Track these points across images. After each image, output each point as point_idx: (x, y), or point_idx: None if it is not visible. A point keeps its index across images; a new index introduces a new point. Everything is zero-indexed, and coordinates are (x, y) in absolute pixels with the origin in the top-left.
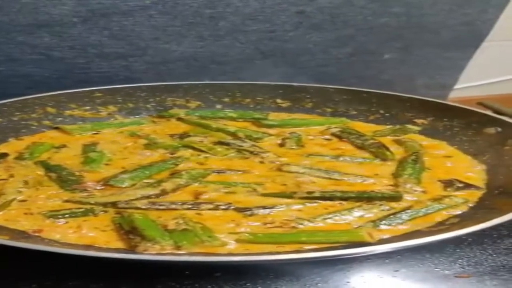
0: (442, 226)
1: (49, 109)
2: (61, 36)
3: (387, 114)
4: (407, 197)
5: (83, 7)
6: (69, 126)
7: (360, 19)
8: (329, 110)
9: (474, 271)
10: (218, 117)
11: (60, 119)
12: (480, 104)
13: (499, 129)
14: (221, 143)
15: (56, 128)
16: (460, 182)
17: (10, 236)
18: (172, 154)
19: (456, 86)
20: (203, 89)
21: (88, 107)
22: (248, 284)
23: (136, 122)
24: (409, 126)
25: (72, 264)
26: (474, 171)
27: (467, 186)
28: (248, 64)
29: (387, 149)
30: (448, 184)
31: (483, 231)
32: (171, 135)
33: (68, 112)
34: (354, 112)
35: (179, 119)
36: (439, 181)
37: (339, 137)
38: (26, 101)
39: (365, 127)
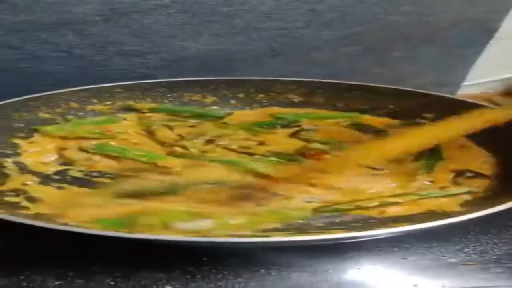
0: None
1: (73, 104)
2: (83, 34)
3: (397, 109)
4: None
5: (105, 6)
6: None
7: (371, 17)
8: (340, 105)
9: (479, 259)
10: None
11: (82, 113)
12: (489, 100)
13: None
14: None
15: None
16: (471, 171)
17: None
18: None
19: (463, 83)
20: (218, 85)
21: (109, 102)
22: (262, 270)
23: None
24: (419, 120)
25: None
26: (487, 162)
27: (478, 175)
28: (260, 61)
29: None
30: (459, 174)
31: (488, 220)
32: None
33: (90, 107)
34: (365, 107)
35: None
36: (451, 171)
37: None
38: (51, 97)
39: (377, 121)
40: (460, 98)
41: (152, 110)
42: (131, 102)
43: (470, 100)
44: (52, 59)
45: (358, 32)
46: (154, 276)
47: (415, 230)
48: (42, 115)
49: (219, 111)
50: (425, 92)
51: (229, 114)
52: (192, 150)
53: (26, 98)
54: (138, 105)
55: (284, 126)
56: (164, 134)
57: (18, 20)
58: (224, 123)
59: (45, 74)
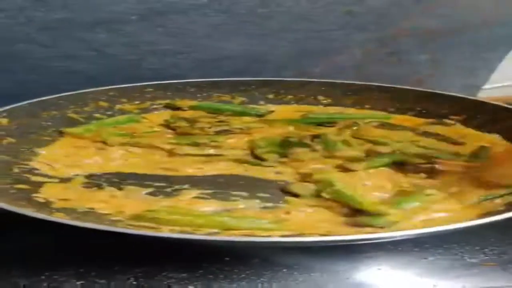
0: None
1: (102, 103)
2: (117, 33)
3: (423, 111)
4: None
5: (142, 5)
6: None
7: (405, 19)
8: (367, 106)
9: (498, 260)
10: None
11: (110, 112)
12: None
13: None
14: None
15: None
16: None
17: None
18: None
19: (484, 86)
20: (248, 86)
21: (138, 102)
22: (284, 270)
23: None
24: (446, 120)
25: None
26: None
27: None
28: (291, 62)
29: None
30: None
31: (507, 221)
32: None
33: (118, 106)
34: (392, 109)
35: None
36: None
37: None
38: (80, 95)
39: (408, 120)
40: (485, 101)
41: (192, 108)
42: (168, 101)
43: (495, 103)
44: (83, 58)
45: (390, 35)
46: (177, 276)
47: (432, 233)
48: (71, 114)
49: (259, 109)
50: (453, 94)
51: (270, 112)
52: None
53: (56, 97)
54: (178, 103)
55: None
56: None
57: (52, 18)
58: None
59: (76, 73)
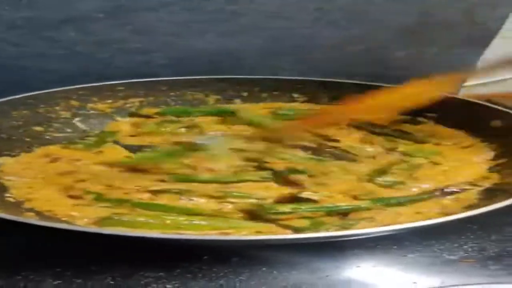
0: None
1: (73, 102)
2: (85, 32)
3: None
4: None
5: (109, 2)
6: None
7: (377, 16)
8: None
9: (478, 257)
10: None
11: (82, 111)
12: (489, 101)
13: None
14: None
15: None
16: None
17: None
18: None
19: (464, 84)
20: (222, 84)
21: (110, 101)
22: (264, 268)
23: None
24: (419, 119)
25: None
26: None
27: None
28: (264, 60)
29: None
30: None
31: (487, 218)
32: None
33: (90, 105)
34: None
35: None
36: None
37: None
38: (50, 94)
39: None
40: (463, 98)
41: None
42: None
43: (472, 100)
44: (54, 57)
45: (363, 32)
46: (154, 275)
47: (413, 228)
48: (41, 114)
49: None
50: None
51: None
52: None
53: (25, 96)
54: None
55: None
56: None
57: (18, 16)
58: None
59: (45, 72)
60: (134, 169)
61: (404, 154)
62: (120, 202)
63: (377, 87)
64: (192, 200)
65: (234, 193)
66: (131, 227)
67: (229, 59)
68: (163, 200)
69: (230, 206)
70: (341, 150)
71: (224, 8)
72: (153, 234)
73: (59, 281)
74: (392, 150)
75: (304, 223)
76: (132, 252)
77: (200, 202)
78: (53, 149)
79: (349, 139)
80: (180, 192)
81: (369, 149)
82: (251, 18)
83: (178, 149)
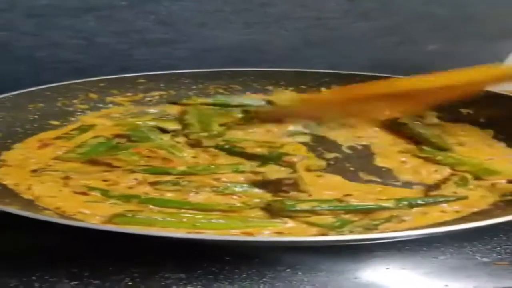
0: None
1: (91, 95)
2: (106, 21)
3: None
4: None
5: None
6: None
7: (409, 8)
8: None
9: (511, 259)
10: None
11: (101, 105)
12: None
13: None
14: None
15: None
16: None
17: None
18: None
19: None
20: (247, 77)
21: (130, 94)
22: (288, 270)
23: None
24: (457, 115)
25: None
26: None
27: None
28: (292, 52)
29: None
30: None
31: None
32: None
33: (109, 98)
34: None
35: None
36: None
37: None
38: (68, 86)
39: None
40: (497, 91)
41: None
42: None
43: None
44: (71, 47)
45: (396, 24)
46: (175, 276)
47: (441, 233)
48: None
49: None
50: None
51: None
52: None
53: (43, 88)
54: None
55: None
56: None
57: (37, 4)
58: None
59: (62, 63)
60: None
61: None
62: (127, 198)
63: None
64: (198, 193)
65: (235, 187)
66: (147, 225)
67: (254, 51)
68: (167, 194)
69: (238, 200)
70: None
71: None
72: (175, 234)
73: (76, 282)
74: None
75: (327, 220)
76: (151, 251)
77: (208, 197)
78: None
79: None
80: (180, 184)
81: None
82: (279, 8)
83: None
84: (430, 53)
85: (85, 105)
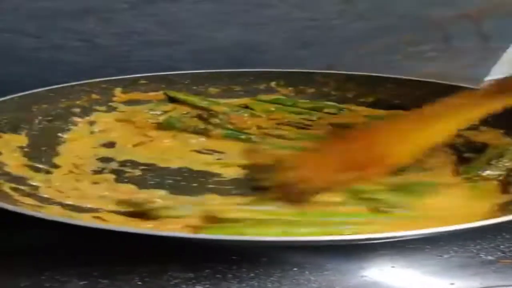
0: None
1: (95, 96)
2: (107, 23)
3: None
4: None
5: None
6: None
7: (405, 8)
8: (370, 99)
9: None
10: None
11: (104, 106)
12: None
13: None
14: None
15: None
16: None
17: None
18: None
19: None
20: (246, 77)
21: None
22: (295, 269)
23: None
24: None
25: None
26: None
27: None
28: (288, 52)
29: None
30: None
31: None
32: None
33: (113, 98)
34: (397, 101)
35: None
36: None
37: None
38: (72, 88)
39: None
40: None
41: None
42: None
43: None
44: (71, 49)
45: (391, 24)
46: (183, 276)
47: (446, 232)
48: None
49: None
50: (461, 84)
51: None
52: None
53: (47, 90)
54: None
55: None
56: None
57: (37, 6)
58: None
59: (64, 65)
60: None
61: None
62: None
63: (415, 82)
64: None
65: None
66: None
67: (253, 52)
68: None
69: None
70: None
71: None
72: (182, 234)
73: (85, 281)
74: None
75: None
76: (160, 251)
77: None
78: None
79: None
80: None
81: None
82: (276, 9)
83: None
84: (426, 54)
85: (88, 105)
